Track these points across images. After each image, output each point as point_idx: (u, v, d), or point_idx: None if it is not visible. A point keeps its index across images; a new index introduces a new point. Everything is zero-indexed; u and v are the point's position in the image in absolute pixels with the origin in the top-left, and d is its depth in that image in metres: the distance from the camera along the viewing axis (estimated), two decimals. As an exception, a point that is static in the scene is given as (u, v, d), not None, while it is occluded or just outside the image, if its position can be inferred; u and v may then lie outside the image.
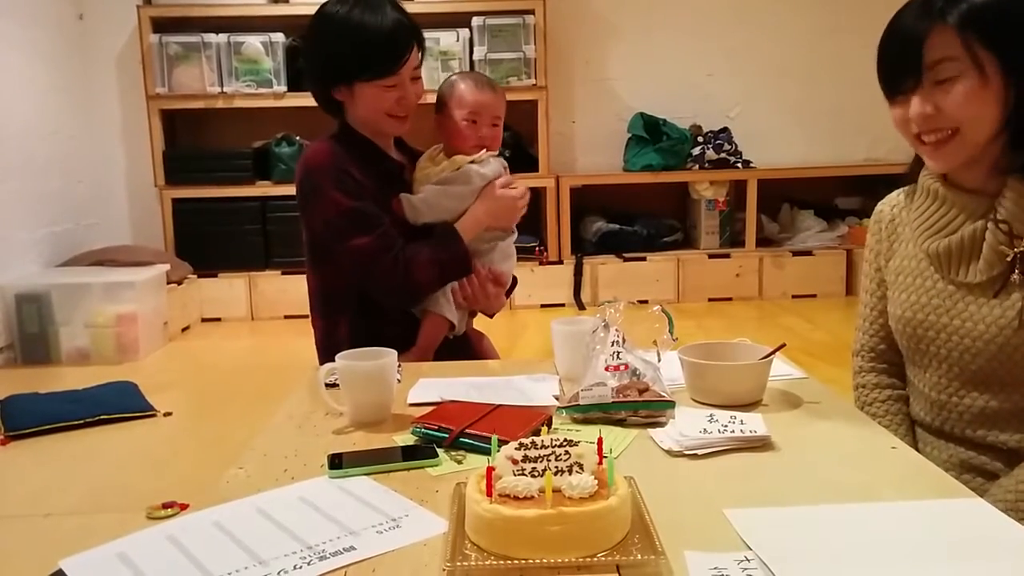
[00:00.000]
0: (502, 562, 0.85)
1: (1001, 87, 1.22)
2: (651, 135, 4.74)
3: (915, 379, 1.45)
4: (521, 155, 4.65)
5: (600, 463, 0.94)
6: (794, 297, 4.73)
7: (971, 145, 1.26)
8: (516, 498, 0.88)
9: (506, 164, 1.96)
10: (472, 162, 1.88)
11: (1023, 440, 1.30)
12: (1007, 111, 1.23)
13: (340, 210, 1.77)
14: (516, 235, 2.01)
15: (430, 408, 1.32)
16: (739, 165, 4.77)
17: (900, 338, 1.44)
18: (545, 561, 0.85)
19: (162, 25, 4.52)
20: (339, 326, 1.87)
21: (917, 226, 1.38)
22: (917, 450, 1.35)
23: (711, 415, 1.23)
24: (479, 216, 1.88)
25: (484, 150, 1.90)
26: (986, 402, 1.33)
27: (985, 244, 1.28)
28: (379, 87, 1.79)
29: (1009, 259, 1.26)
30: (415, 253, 1.80)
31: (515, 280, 2.04)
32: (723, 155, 4.75)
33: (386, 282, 1.80)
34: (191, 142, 4.84)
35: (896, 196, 1.49)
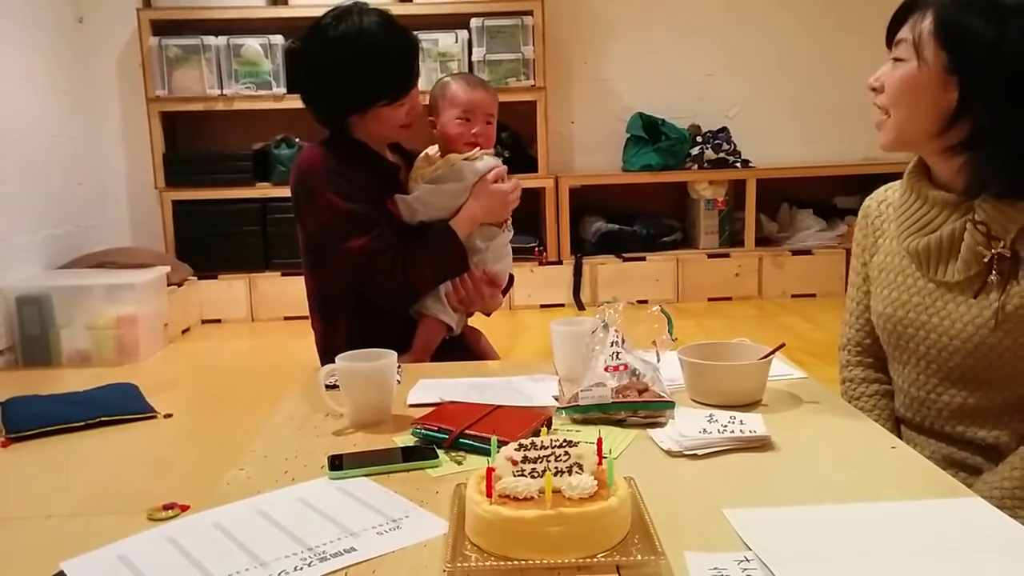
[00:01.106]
0: (502, 563, 0.85)
1: (939, 86, 1.25)
2: (650, 135, 4.74)
3: (895, 375, 1.46)
4: (520, 156, 4.65)
5: (600, 464, 0.94)
6: (793, 296, 4.74)
7: (903, 132, 1.31)
8: (516, 499, 0.89)
9: (501, 162, 1.96)
10: (466, 159, 1.89)
11: (1000, 437, 1.32)
12: (948, 113, 1.25)
13: (336, 213, 1.78)
14: (512, 234, 2.01)
15: (430, 409, 1.32)
16: (738, 165, 4.78)
17: (881, 334, 1.45)
18: (545, 562, 0.85)
19: (161, 28, 4.52)
20: (336, 328, 1.88)
21: (899, 223, 1.39)
22: None
23: (710, 415, 1.24)
24: (473, 212, 1.88)
25: (478, 148, 1.90)
26: (964, 399, 1.34)
27: (963, 244, 1.29)
28: (394, 107, 1.81)
29: (987, 260, 1.27)
30: (412, 253, 1.80)
31: (512, 279, 2.04)
32: (722, 155, 4.76)
33: (384, 283, 1.80)
34: (191, 144, 4.84)
35: (884, 192, 1.50)
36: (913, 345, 1.38)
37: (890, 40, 1.33)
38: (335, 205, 1.78)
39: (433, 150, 1.96)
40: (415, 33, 1.90)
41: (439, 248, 1.83)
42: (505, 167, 1.96)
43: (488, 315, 2.02)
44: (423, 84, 1.92)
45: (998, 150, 1.24)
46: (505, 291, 2.00)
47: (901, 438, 1.43)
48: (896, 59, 1.30)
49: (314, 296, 1.92)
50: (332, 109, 1.86)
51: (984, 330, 1.27)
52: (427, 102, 1.96)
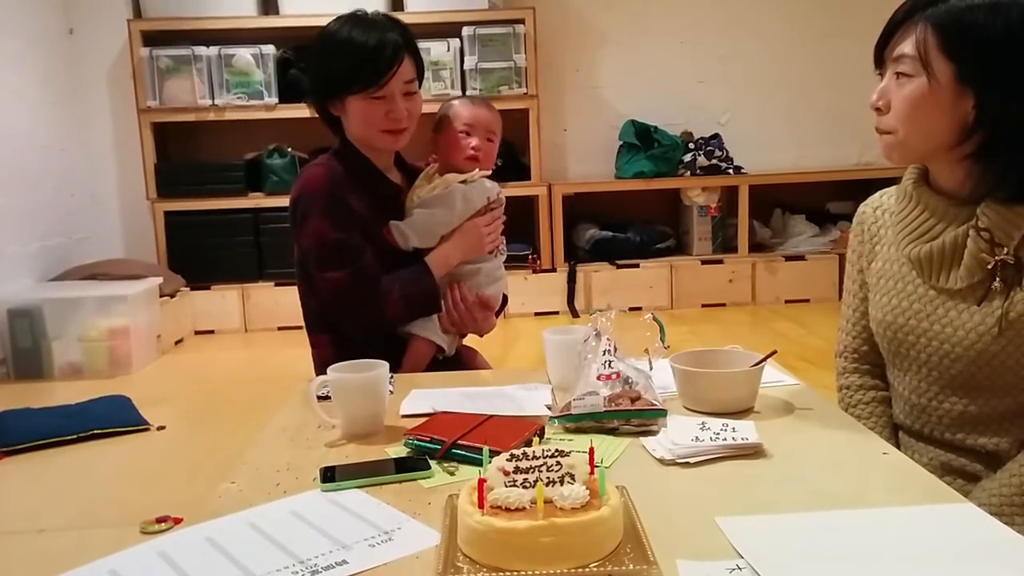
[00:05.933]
0: (494, 574, 0.85)
1: (953, 98, 1.24)
2: (642, 142, 4.75)
3: (895, 382, 1.45)
4: (513, 164, 4.66)
5: (592, 473, 0.94)
6: (787, 302, 4.74)
7: (916, 149, 1.31)
8: (508, 509, 0.88)
9: (500, 189, 1.96)
10: (463, 181, 1.88)
11: (1000, 444, 1.31)
12: (964, 123, 1.24)
13: (322, 240, 1.78)
14: (504, 256, 2.01)
15: (422, 419, 1.32)
16: (730, 171, 4.78)
17: (880, 341, 1.44)
18: (537, 572, 0.85)
19: (152, 38, 4.52)
20: (325, 343, 1.88)
21: (899, 230, 1.38)
22: None
23: (703, 423, 1.24)
24: (448, 251, 1.88)
25: (477, 169, 1.90)
26: (965, 406, 1.33)
27: (966, 251, 1.28)
28: (367, 100, 1.79)
29: (990, 267, 1.26)
30: (385, 290, 1.80)
31: (505, 299, 2.04)
32: (714, 161, 4.77)
33: (355, 316, 1.81)
34: (183, 155, 4.83)
35: (879, 198, 1.49)
36: (914, 353, 1.37)
37: (878, 58, 1.32)
38: (323, 232, 1.78)
39: (433, 168, 1.95)
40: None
41: (412, 287, 1.82)
42: (503, 194, 1.96)
43: (481, 336, 2.02)
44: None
45: (1013, 154, 1.23)
46: (499, 312, 2.00)
47: (899, 445, 1.44)
48: (900, 75, 1.27)
49: (307, 309, 1.92)
50: (315, 97, 1.88)
51: (987, 337, 1.27)
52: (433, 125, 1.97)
